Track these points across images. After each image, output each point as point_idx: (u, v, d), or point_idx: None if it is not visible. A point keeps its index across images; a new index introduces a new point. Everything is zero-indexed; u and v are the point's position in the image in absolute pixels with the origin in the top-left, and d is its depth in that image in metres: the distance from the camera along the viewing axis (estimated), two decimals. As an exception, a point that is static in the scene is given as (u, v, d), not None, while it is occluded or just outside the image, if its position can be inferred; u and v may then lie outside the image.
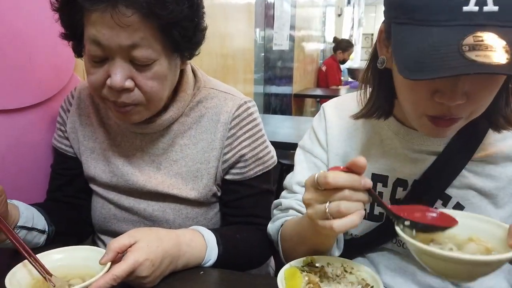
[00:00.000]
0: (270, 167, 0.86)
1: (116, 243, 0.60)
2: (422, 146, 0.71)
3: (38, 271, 0.59)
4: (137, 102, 0.71)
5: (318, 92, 4.26)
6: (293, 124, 2.45)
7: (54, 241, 0.80)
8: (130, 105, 0.71)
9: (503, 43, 0.48)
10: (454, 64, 0.48)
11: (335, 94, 4.10)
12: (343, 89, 4.46)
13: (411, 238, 0.50)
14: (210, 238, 0.72)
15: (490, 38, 0.49)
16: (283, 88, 3.42)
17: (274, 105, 3.19)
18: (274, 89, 3.12)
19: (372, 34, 11.18)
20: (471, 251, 0.50)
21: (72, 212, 0.89)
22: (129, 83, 0.68)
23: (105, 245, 0.90)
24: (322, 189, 0.53)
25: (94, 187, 0.88)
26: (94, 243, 0.95)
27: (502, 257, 0.45)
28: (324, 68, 4.65)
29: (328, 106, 0.83)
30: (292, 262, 0.60)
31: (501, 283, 0.71)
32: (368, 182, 0.53)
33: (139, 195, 0.84)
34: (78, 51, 0.74)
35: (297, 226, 0.70)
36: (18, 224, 0.71)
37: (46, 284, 0.59)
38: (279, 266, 0.99)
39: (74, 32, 0.71)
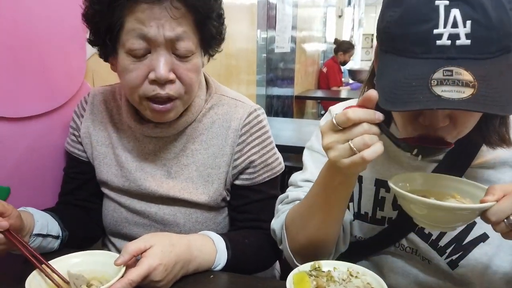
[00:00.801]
0: (278, 173, 0.89)
1: (133, 246, 0.63)
2: None
3: (53, 281, 0.61)
4: (178, 94, 0.75)
5: (319, 93, 4.27)
6: (294, 127, 2.46)
7: (67, 244, 0.83)
8: (171, 100, 0.75)
9: (470, 78, 0.50)
10: (421, 98, 0.51)
11: (336, 95, 4.12)
12: (344, 91, 4.48)
13: (400, 189, 0.57)
14: (220, 243, 0.75)
15: (458, 73, 0.51)
16: (285, 90, 3.42)
17: (276, 107, 3.20)
18: (276, 91, 3.12)
19: (372, 35, 11.17)
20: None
21: (84, 215, 0.92)
22: (172, 75, 0.73)
23: (116, 247, 0.93)
24: (341, 129, 0.56)
25: (106, 191, 0.91)
26: (105, 246, 0.97)
27: (469, 206, 0.56)
28: (325, 70, 4.66)
29: (335, 109, 0.86)
30: (300, 267, 0.63)
31: None
32: (380, 115, 0.55)
33: (151, 199, 0.87)
34: (106, 55, 0.78)
35: (307, 200, 0.72)
36: (33, 233, 0.73)
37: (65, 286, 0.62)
38: (284, 269, 1.02)
39: (109, 33, 0.72)
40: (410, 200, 0.57)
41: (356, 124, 0.55)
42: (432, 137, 0.60)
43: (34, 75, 0.88)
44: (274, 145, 0.89)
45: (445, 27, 0.51)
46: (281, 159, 0.91)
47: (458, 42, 0.51)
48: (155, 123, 0.82)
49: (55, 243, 0.79)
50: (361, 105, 0.56)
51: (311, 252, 0.73)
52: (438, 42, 0.52)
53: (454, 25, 0.51)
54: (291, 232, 0.76)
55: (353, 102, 0.86)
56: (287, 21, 3.11)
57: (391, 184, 0.59)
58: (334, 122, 0.56)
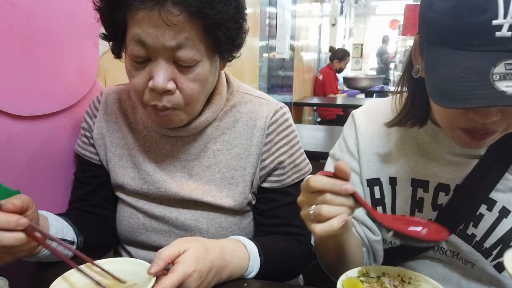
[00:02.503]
0: (306, 175, 0.84)
1: (167, 253, 0.58)
2: (463, 150, 0.70)
3: (93, 279, 0.56)
4: (177, 106, 0.69)
5: (315, 100, 4.28)
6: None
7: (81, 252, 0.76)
8: (170, 109, 0.69)
9: None
10: (483, 94, 0.48)
11: (333, 102, 4.12)
12: (340, 98, 4.49)
13: None
14: (252, 249, 0.70)
15: None
16: (284, 97, 3.44)
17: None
18: (276, 98, 3.12)
19: (362, 44, 11.34)
20: None
21: (97, 222, 0.86)
22: (171, 85, 0.67)
23: (131, 256, 0.87)
24: (310, 192, 0.55)
25: (121, 195, 0.85)
26: (118, 255, 0.91)
27: None
28: (321, 77, 4.68)
29: (358, 112, 0.82)
30: (348, 273, 0.58)
31: None
32: (350, 188, 0.54)
33: (171, 203, 0.81)
34: (118, 52, 0.72)
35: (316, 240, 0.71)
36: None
37: None
38: (308, 277, 0.97)
39: (115, 32, 0.68)
40: None
41: (320, 191, 0.54)
42: (481, 131, 0.57)
43: (46, 71, 0.82)
44: (301, 145, 0.85)
45: (505, 17, 0.48)
46: (307, 159, 0.86)
47: None
48: None
49: (69, 251, 0.73)
50: (334, 174, 0.55)
51: (340, 269, 0.69)
52: (498, 34, 0.49)
53: None
54: (318, 253, 0.75)
55: (380, 102, 0.83)
56: (286, 27, 3.13)
57: None
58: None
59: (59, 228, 0.70)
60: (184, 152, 0.81)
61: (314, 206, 0.54)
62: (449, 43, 0.53)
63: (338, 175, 0.55)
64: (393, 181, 0.75)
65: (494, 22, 0.48)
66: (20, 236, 0.54)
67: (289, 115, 0.83)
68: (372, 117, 0.80)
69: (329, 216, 0.53)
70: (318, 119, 4.70)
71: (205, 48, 0.67)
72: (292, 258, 0.79)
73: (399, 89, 0.72)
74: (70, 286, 0.56)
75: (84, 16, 0.87)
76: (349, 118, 0.83)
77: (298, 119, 4.17)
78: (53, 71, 0.84)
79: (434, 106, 0.63)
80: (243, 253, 0.69)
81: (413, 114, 0.70)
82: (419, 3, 0.60)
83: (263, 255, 0.71)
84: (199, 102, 0.74)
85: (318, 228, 0.53)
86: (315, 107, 4.72)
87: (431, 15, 0.55)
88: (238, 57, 0.77)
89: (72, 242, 0.74)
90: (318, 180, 0.54)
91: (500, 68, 0.48)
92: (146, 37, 0.63)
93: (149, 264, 0.56)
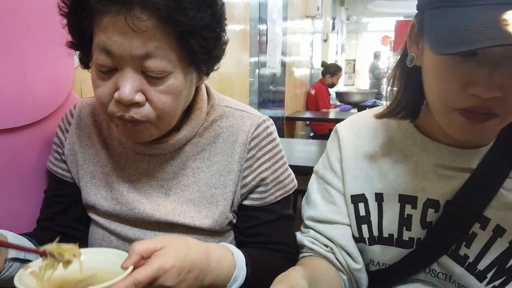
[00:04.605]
0: (290, 191, 0.79)
1: (141, 246, 0.53)
2: (454, 163, 0.65)
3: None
4: (146, 118, 0.64)
5: (308, 115, 4.27)
6: (285, 146, 2.42)
7: None
8: (139, 122, 0.64)
9: None
10: (493, 35, 0.45)
11: (325, 116, 4.12)
12: (332, 112, 4.49)
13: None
14: (239, 257, 0.65)
15: None
16: (276, 112, 3.43)
17: (267, 128, 3.20)
18: (267, 113, 3.13)
19: (354, 60, 11.52)
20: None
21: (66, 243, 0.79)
22: (139, 97, 0.61)
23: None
24: None
25: (93, 216, 0.79)
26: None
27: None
28: (313, 92, 4.69)
29: (342, 125, 0.78)
30: None
31: None
32: None
33: (146, 226, 0.76)
34: (86, 62, 0.67)
35: None
36: (9, 257, 0.61)
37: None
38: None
39: (82, 40, 0.64)
40: None
41: None
42: (481, 110, 0.52)
43: (14, 80, 0.77)
44: (285, 160, 0.80)
45: None
46: (293, 175, 0.82)
47: None
48: None
49: None
50: None
51: None
52: None
53: None
54: None
55: (364, 113, 0.79)
56: (277, 42, 3.15)
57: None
58: None
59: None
60: (161, 170, 0.75)
61: None
62: (454, 2, 0.51)
63: None
64: (379, 197, 0.71)
65: None
66: None
67: (273, 128, 0.79)
68: (356, 129, 0.76)
69: None
70: (311, 134, 4.69)
71: (177, 58, 0.62)
72: (278, 271, 0.73)
73: (391, 81, 0.68)
74: (34, 276, 0.51)
75: (58, 22, 0.83)
76: (333, 133, 0.79)
77: (290, 134, 4.16)
78: (21, 83, 0.78)
79: (429, 88, 0.59)
80: (230, 261, 0.63)
81: (404, 106, 0.66)
82: (410, 19, 0.59)
83: (250, 266, 0.65)
84: (173, 117, 0.68)
85: None
86: (307, 122, 4.71)
87: None
88: (216, 69, 0.72)
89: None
90: None
91: (508, 16, 0.46)
92: (111, 45, 0.58)
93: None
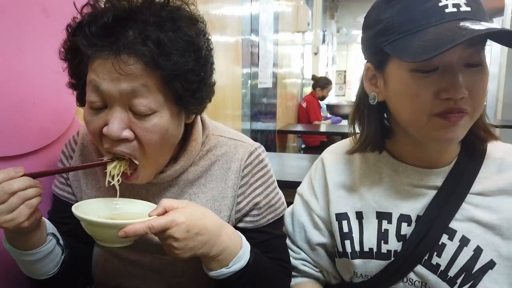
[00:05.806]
0: (281, 214, 0.85)
1: (168, 202, 0.65)
2: (422, 181, 0.74)
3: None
4: (133, 153, 0.68)
5: (299, 127, 4.33)
6: (278, 160, 2.46)
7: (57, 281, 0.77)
8: (133, 170, 0.71)
9: (488, 25, 0.58)
10: (456, 36, 0.56)
11: (317, 129, 4.19)
12: (323, 125, 4.56)
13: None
14: (246, 243, 0.73)
15: (476, 23, 0.58)
16: (268, 124, 3.46)
17: (260, 141, 3.19)
18: (259, 125, 3.16)
19: (345, 71, 11.65)
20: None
21: (73, 260, 0.83)
22: (127, 133, 0.66)
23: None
24: None
25: (96, 238, 0.83)
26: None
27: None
28: (304, 105, 4.76)
29: (326, 154, 0.87)
30: None
31: None
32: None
33: (146, 248, 0.80)
34: (81, 101, 0.72)
35: None
36: (49, 231, 0.72)
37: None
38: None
39: (78, 81, 0.70)
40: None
41: None
42: (455, 111, 0.63)
43: (24, 110, 0.82)
44: (276, 184, 0.86)
45: None
46: (283, 198, 0.87)
47: (461, 9, 0.60)
48: None
49: (59, 257, 0.75)
50: None
51: None
52: (447, 10, 0.60)
53: None
54: None
55: (345, 140, 0.86)
56: (269, 58, 3.20)
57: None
58: None
59: (55, 230, 0.74)
60: (160, 197, 0.80)
61: None
62: (410, 30, 0.62)
63: None
64: (359, 215, 0.78)
65: (440, 3, 0.60)
66: (24, 179, 0.61)
67: (264, 155, 0.85)
68: (338, 157, 0.85)
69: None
70: (303, 145, 4.75)
71: (163, 98, 0.66)
72: (275, 278, 0.79)
73: (354, 121, 0.78)
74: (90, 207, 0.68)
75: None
76: (318, 160, 0.88)
77: (282, 146, 4.20)
78: (30, 110, 0.83)
79: (402, 107, 0.68)
80: (238, 241, 0.71)
81: (369, 141, 0.75)
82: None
83: (253, 254, 0.72)
84: (161, 155, 0.72)
85: None
86: (299, 134, 4.77)
87: (383, 23, 0.64)
88: (206, 108, 0.76)
89: (62, 250, 0.76)
90: None
91: (462, 23, 0.58)
92: (101, 82, 0.63)
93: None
